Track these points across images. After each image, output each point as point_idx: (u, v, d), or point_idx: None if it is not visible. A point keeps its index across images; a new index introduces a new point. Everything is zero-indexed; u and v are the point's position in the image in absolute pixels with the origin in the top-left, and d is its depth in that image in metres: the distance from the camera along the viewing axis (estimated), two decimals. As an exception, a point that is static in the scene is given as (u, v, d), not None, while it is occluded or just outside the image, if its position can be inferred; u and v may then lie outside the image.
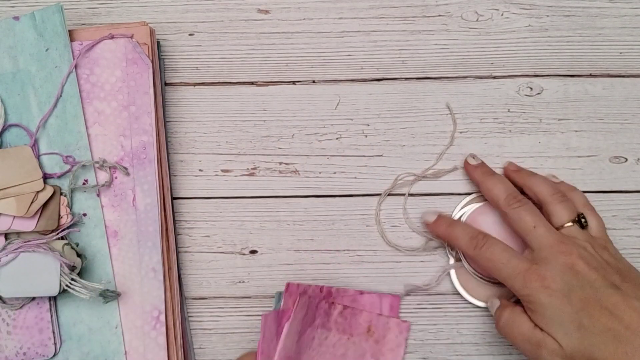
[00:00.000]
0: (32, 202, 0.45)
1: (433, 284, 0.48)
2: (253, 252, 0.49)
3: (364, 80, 0.50)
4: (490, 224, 0.47)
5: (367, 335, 0.47)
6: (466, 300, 0.48)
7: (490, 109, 0.50)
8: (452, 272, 0.49)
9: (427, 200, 0.49)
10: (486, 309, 0.48)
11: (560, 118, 0.50)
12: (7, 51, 0.47)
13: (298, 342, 0.44)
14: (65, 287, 0.44)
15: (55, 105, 0.47)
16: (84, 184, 0.47)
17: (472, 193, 0.49)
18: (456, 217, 0.49)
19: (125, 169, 0.47)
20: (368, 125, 0.50)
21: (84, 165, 0.47)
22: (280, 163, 0.50)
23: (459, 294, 0.48)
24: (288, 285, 0.44)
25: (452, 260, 0.48)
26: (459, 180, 0.50)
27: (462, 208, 0.49)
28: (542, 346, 0.40)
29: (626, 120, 0.50)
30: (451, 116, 0.50)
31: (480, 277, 0.48)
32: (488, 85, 0.50)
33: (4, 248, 0.44)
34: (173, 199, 0.49)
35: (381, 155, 0.50)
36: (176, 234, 0.49)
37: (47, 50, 0.47)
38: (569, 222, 0.43)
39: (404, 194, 0.49)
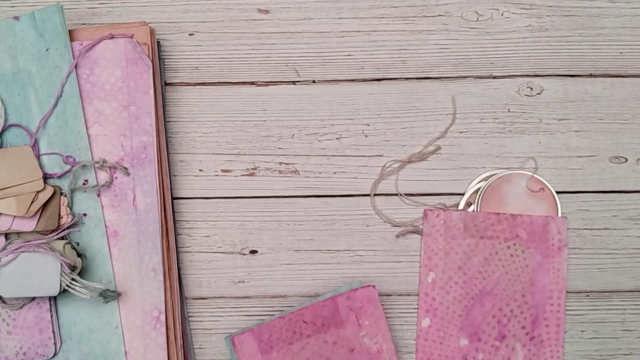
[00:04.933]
0: (32, 202, 0.45)
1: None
2: (253, 252, 0.49)
3: (364, 80, 0.50)
4: (513, 194, 0.48)
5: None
6: None
7: (490, 109, 0.50)
8: None
9: (428, 200, 0.49)
10: None
11: (560, 118, 0.50)
12: (7, 51, 0.47)
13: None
14: (66, 287, 0.44)
15: (55, 105, 0.47)
16: (84, 184, 0.47)
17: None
18: (473, 189, 0.49)
19: (126, 169, 0.47)
20: (368, 125, 0.50)
21: (84, 165, 0.47)
22: (280, 163, 0.50)
23: None
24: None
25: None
26: (459, 180, 0.50)
27: (479, 182, 0.49)
28: None
29: (626, 120, 0.50)
30: (453, 110, 0.50)
31: None
32: (488, 85, 0.50)
33: (4, 248, 0.44)
34: (173, 199, 0.49)
35: (381, 155, 0.50)
36: (176, 234, 0.49)
37: (47, 50, 0.47)
38: None
39: (401, 194, 0.50)
